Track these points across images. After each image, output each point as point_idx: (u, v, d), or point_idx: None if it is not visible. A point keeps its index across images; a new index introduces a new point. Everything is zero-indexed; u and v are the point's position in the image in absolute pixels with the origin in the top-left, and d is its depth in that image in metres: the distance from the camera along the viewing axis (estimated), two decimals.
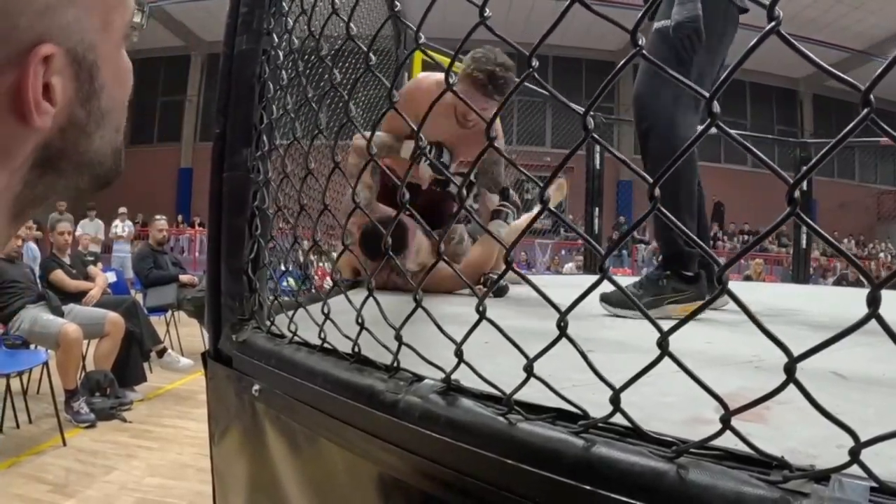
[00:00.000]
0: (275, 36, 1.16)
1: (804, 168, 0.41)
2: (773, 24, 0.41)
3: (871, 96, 0.39)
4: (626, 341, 1.22)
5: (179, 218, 16.61)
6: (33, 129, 0.43)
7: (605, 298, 1.70)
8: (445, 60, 4.51)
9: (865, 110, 0.37)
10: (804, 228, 6.53)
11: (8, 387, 3.56)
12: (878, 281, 0.37)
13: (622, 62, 0.53)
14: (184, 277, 5.99)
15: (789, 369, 0.41)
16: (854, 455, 0.44)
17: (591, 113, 0.51)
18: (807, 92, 18.19)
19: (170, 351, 5.04)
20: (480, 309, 0.58)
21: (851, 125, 0.39)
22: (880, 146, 7.67)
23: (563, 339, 0.54)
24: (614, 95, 17.11)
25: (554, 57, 16.49)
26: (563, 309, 0.54)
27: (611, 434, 0.56)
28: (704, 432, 0.51)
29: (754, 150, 0.46)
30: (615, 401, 0.51)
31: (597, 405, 0.56)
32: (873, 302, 0.37)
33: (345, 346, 0.88)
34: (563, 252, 14.31)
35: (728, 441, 0.51)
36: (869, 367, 1.17)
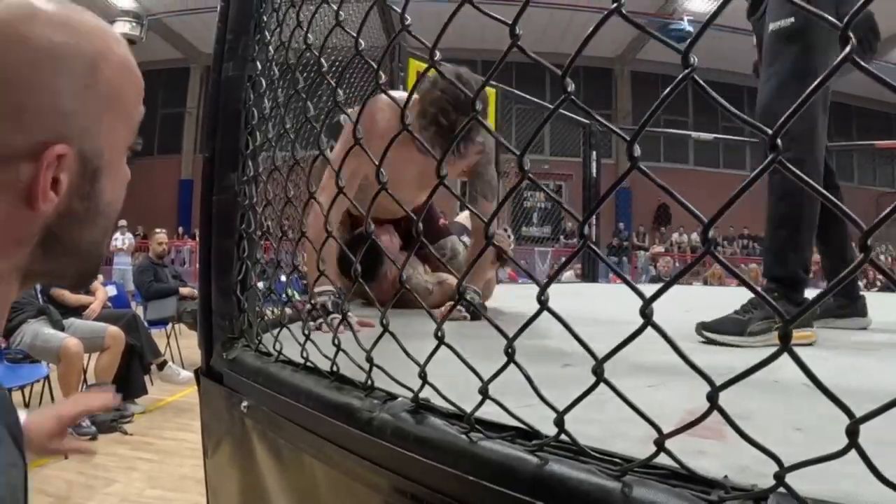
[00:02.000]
0: (258, 63, 1.20)
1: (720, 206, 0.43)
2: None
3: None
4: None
5: (180, 230, 16.67)
6: (38, 214, 0.51)
7: (705, 327, 1.56)
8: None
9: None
10: None
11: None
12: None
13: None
14: (184, 290, 6.03)
15: (711, 397, 0.44)
16: (779, 479, 0.46)
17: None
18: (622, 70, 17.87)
19: (170, 363, 5.07)
20: (439, 335, 0.62)
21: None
22: (876, 148, 7.69)
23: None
24: (612, 103, 17.17)
25: (551, 64, 16.54)
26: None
27: (566, 452, 0.59)
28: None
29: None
30: (559, 423, 0.54)
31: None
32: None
33: (327, 365, 0.92)
34: (562, 259, 14.32)
35: (682, 456, 0.54)
36: (846, 378, 1.20)
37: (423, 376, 0.67)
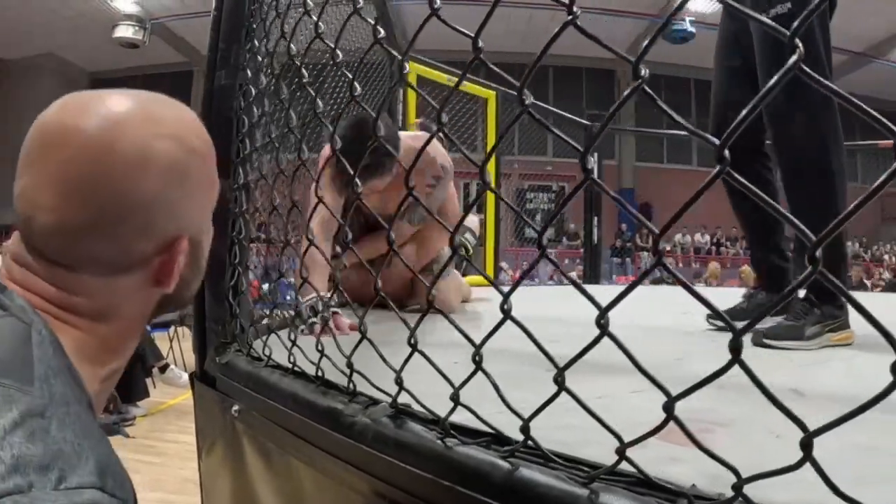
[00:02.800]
0: (249, 72, 1.22)
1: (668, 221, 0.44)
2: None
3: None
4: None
5: None
6: (164, 290, 0.62)
7: (767, 335, 1.54)
8: (440, 77, 4.58)
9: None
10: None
11: None
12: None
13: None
14: None
15: (667, 408, 0.45)
16: (737, 490, 0.47)
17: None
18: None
19: (172, 367, 5.09)
20: (412, 342, 0.63)
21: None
22: (879, 148, 7.65)
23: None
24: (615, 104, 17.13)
25: (554, 66, 16.56)
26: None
27: (538, 458, 0.60)
28: (638, 456, 0.55)
29: None
30: (525, 430, 0.55)
31: (537, 428, 0.60)
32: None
33: (314, 370, 0.93)
34: (566, 262, 14.34)
35: (656, 463, 0.55)
36: (836, 383, 1.20)
37: (398, 382, 0.69)
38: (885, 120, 0.38)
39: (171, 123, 0.61)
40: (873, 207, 17.78)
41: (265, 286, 1.98)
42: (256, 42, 1.23)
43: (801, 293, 1.64)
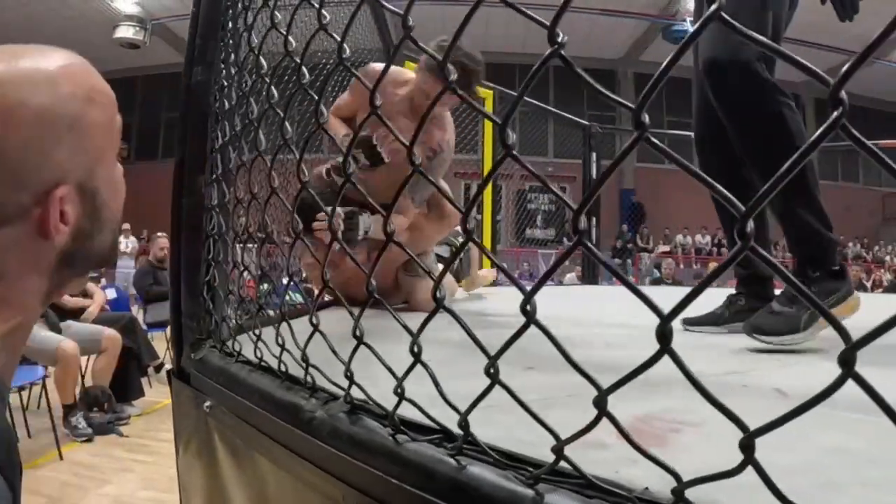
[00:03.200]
0: (223, 67, 1.21)
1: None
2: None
3: (645, 116, 0.40)
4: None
5: None
6: (54, 244, 0.59)
7: (755, 330, 1.35)
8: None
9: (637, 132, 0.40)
10: None
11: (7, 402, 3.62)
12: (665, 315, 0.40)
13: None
14: None
15: (598, 403, 0.44)
16: (677, 495, 0.46)
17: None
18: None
19: (167, 366, 5.09)
20: (358, 333, 0.62)
21: (625, 147, 0.41)
22: (880, 148, 7.62)
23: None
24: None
25: (554, 66, 16.47)
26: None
27: (488, 457, 0.59)
28: (596, 457, 0.54)
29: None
30: (463, 425, 0.54)
31: (503, 426, 0.59)
32: (661, 336, 0.40)
33: (292, 367, 0.92)
34: (566, 262, 14.28)
35: (615, 464, 0.53)
36: (820, 383, 1.17)
37: (348, 376, 0.68)
38: None
39: (46, 71, 0.59)
40: (873, 208, 17.72)
41: (263, 286, 1.96)
42: (230, 37, 1.22)
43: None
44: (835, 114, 0.34)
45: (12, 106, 0.56)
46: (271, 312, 1.41)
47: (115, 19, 14.56)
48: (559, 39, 0.41)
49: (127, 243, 12.60)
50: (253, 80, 0.92)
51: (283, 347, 0.85)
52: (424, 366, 0.56)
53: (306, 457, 0.74)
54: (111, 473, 3.32)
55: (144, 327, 5.20)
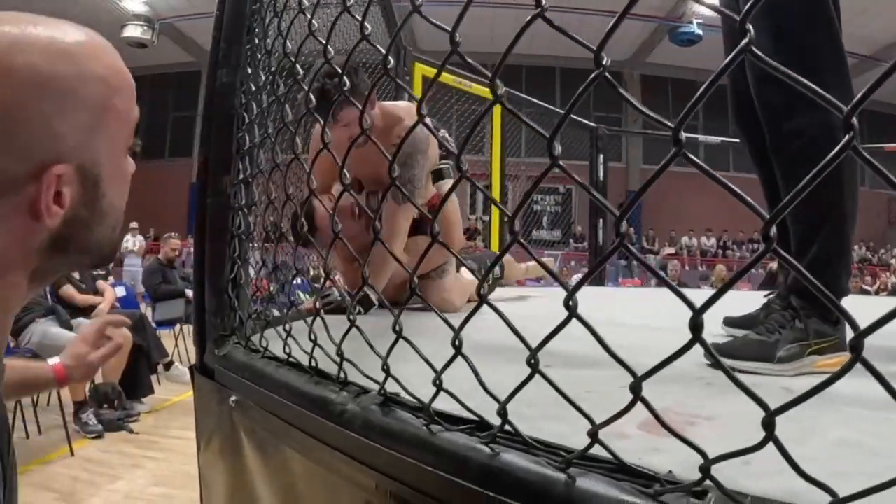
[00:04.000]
0: (249, 69, 1.24)
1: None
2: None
3: (682, 133, 0.42)
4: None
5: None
6: (45, 225, 0.56)
7: (723, 352, 1.24)
8: (447, 78, 4.59)
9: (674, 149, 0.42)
10: None
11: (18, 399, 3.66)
12: (698, 308, 0.42)
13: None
14: (191, 292, 6.09)
15: (634, 388, 0.47)
16: (704, 471, 0.49)
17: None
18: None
19: (177, 364, 5.12)
20: (397, 328, 0.65)
21: (666, 159, 0.43)
22: (886, 151, 7.62)
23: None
24: (622, 106, 17.13)
25: (561, 69, 16.55)
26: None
27: (520, 445, 0.62)
28: (618, 447, 0.57)
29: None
30: (502, 413, 0.57)
31: (526, 418, 0.62)
32: (694, 329, 0.43)
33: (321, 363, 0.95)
34: (572, 263, 14.33)
35: (638, 453, 0.56)
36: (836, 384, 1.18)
37: (385, 369, 0.71)
38: None
39: (67, 42, 0.57)
40: (880, 210, 17.67)
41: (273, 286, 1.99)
42: (257, 40, 1.25)
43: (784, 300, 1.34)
44: (846, 137, 0.37)
45: (16, 66, 0.53)
46: (276, 312, 1.44)
47: (123, 18, 14.63)
48: (604, 62, 0.44)
49: (134, 242, 12.65)
50: (289, 85, 0.95)
51: (315, 342, 0.88)
52: (465, 358, 0.59)
53: (338, 448, 0.77)
54: (122, 469, 3.36)
55: (153, 325, 5.23)
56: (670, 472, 0.57)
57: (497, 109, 4.98)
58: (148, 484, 3.16)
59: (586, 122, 7.01)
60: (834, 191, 1.27)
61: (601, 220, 6.87)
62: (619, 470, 0.57)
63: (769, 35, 1.24)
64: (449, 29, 0.53)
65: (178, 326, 6.08)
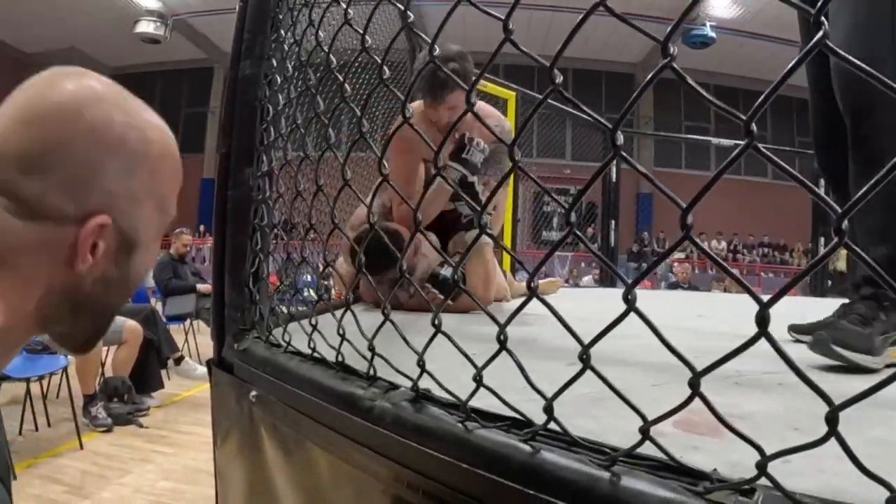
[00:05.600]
0: (274, 61, 1.23)
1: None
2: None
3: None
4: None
5: (202, 228, 16.80)
6: (75, 273, 0.58)
7: (836, 341, 1.19)
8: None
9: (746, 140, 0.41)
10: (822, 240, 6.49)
11: (28, 391, 3.67)
12: (765, 301, 0.41)
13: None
14: (202, 287, 6.11)
15: (693, 384, 0.45)
16: (761, 468, 0.47)
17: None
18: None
19: (187, 359, 5.14)
20: (436, 322, 0.63)
21: (732, 156, 0.42)
22: None
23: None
24: (635, 108, 17.08)
25: (574, 70, 16.50)
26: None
27: (560, 443, 0.60)
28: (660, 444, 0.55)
29: None
30: (548, 409, 0.55)
31: (560, 416, 0.60)
32: (762, 322, 0.41)
33: (333, 355, 0.94)
34: (581, 264, 14.28)
35: (677, 451, 0.54)
36: (852, 389, 1.16)
37: (421, 365, 0.69)
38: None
39: (139, 113, 0.62)
40: None
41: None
42: (283, 32, 1.24)
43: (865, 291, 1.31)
44: None
45: (105, 122, 0.58)
46: (285, 309, 1.43)
47: (137, 14, 14.69)
48: (671, 52, 0.43)
49: None
50: (320, 76, 0.93)
51: (343, 337, 0.86)
52: (511, 354, 0.57)
53: (368, 445, 0.76)
54: (131, 464, 3.36)
55: (164, 320, 5.24)
56: (715, 469, 0.55)
57: (511, 110, 4.97)
58: (157, 478, 3.16)
59: (605, 122, 6.96)
60: None
61: (613, 222, 6.83)
62: (663, 468, 0.55)
63: (847, 27, 1.25)
64: (502, 18, 0.51)
65: (188, 321, 6.09)
